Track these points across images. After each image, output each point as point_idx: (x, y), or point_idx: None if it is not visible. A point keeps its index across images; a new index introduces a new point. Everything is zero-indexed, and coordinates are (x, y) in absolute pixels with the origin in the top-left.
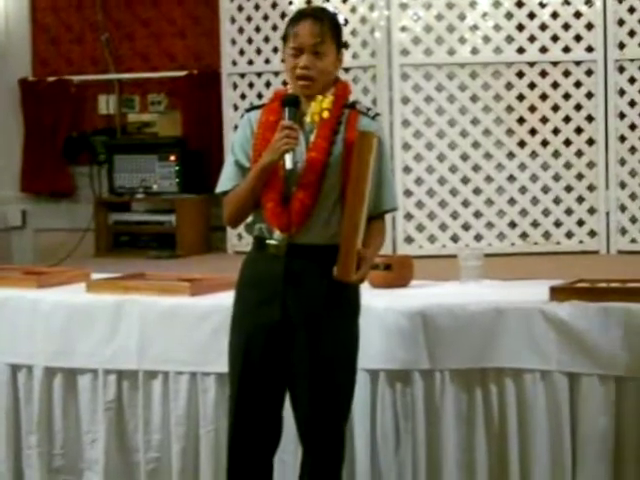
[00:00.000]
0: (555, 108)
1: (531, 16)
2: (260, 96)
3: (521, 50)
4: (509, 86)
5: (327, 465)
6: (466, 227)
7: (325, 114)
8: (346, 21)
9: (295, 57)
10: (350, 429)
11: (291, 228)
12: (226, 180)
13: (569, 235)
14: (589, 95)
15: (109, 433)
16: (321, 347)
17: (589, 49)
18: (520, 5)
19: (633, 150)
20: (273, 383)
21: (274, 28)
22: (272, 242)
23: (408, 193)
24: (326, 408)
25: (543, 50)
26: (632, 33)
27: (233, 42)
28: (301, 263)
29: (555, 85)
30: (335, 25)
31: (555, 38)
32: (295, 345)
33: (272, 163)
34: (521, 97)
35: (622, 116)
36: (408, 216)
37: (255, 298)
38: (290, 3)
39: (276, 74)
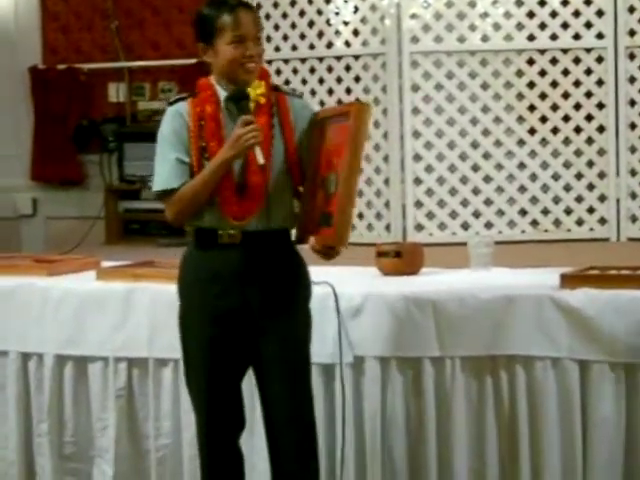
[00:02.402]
0: (565, 95)
1: (541, 3)
2: None
3: (531, 37)
4: (519, 73)
5: (306, 442)
6: (476, 215)
7: (262, 100)
8: (356, 8)
9: (237, 45)
10: (361, 416)
11: (246, 216)
12: (170, 178)
13: (579, 222)
14: (599, 82)
15: (120, 420)
16: (285, 329)
17: (599, 36)
18: None
19: None
20: (238, 367)
21: (284, 16)
22: (224, 232)
23: (418, 181)
24: (297, 385)
25: (553, 37)
26: None
27: None
28: (257, 250)
29: (565, 72)
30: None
31: (565, 25)
32: (259, 331)
33: (235, 158)
34: (531, 84)
35: (632, 103)
36: (418, 204)
37: (213, 291)
38: None
39: (286, 61)
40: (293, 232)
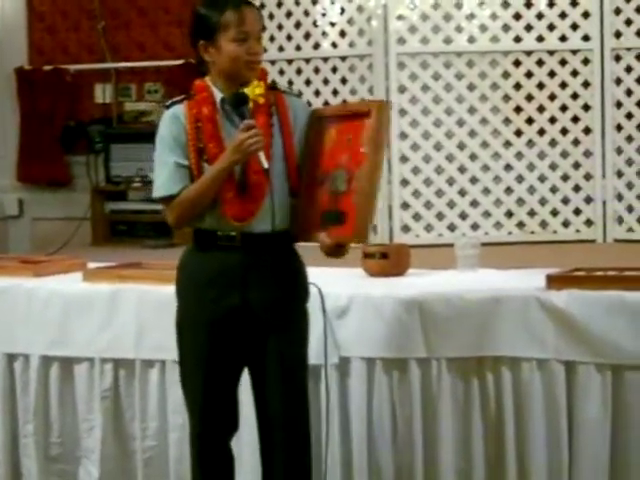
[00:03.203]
0: (552, 97)
1: (528, 5)
2: None
3: (518, 39)
4: (506, 75)
5: (301, 440)
6: (463, 216)
7: (261, 100)
8: (343, 10)
9: (241, 43)
10: (346, 417)
11: (248, 217)
12: (169, 183)
13: (566, 224)
14: (585, 84)
15: (106, 421)
16: (283, 329)
17: (585, 38)
18: None
19: (630, 139)
20: (235, 366)
21: (270, 16)
22: (225, 233)
23: (405, 182)
24: (296, 384)
25: (540, 39)
26: (629, 22)
27: None
28: (257, 252)
29: (552, 74)
30: None
31: (551, 27)
32: (259, 330)
33: (237, 163)
34: (518, 86)
35: (619, 105)
36: (405, 205)
37: (214, 291)
38: None
39: (272, 62)
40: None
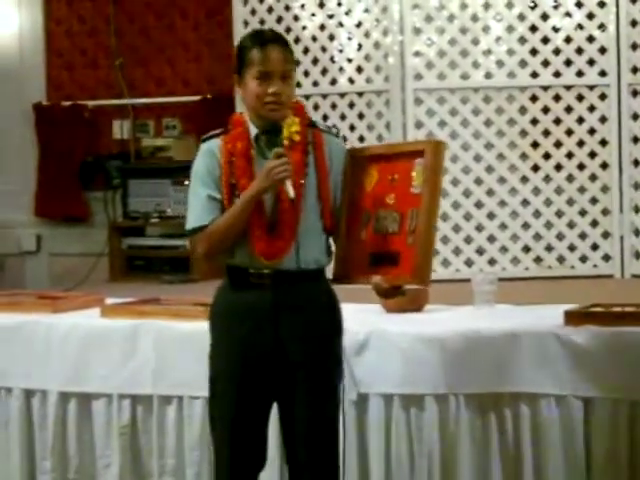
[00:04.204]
0: (569, 132)
1: (545, 40)
2: None
3: (535, 74)
4: (523, 110)
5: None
6: (480, 251)
7: (296, 137)
8: (360, 46)
9: (261, 82)
10: (364, 453)
11: (278, 255)
12: (201, 214)
13: (583, 259)
14: (603, 119)
15: (123, 458)
16: (318, 365)
17: (602, 73)
18: (534, 30)
19: None
20: (265, 403)
21: None
22: (256, 271)
23: None
24: (325, 420)
25: (557, 74)
26: None
27: None
28: (288, 290)
29: (569, 109)
30: (291, 48)
31: (569, 62)
32: (292, 366)
33: (265, 191)
34: (535, 121)
35: (636, 140)
36: None
37: (245, 328)
38: (304, 28)
39: None
40: (330, 270)
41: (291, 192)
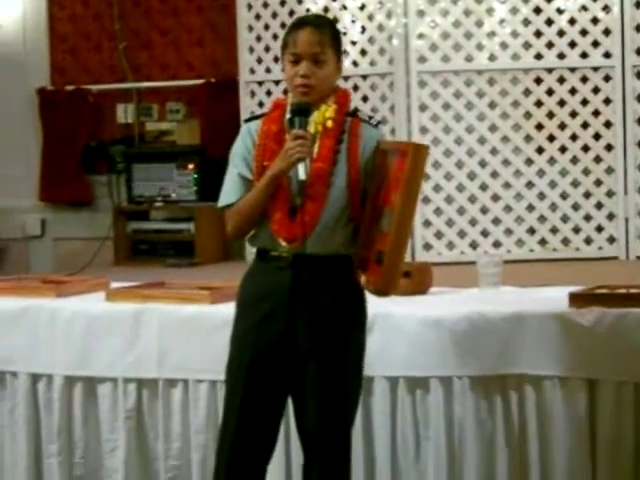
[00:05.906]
0: (573, 114)
1: (549, 22)
2: None
3: (539, 56)
4: (527, 92)
5: (335, 473)
6: (485, 234)
7: (329, 123)
8: (363, 28)
9: (294, 65)
10: (370, 436)
11: (298, 239)
12: (230, 193)
13: (588, 241)
14: (607, 101)
15: (129, 441)
16: (330, 358)
17: (607, 55)
18: (538, 12)
19: None
20: (277, 393)
21: None
22: (277, 254)
23: (426, 200)
24: (335, 416)
25: (561, 56)
26: None
27: (251, 50)
28: (307, 274)
29: (573, 91)
30: (335, 33)
31: (573, 44)
32: (303, 356)
33: (283, 172)
34: (539, 103)
35: None
36: (427, 223)
37: (260, 312)
38: (307, 10)
39: None
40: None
41: (302, 173)
